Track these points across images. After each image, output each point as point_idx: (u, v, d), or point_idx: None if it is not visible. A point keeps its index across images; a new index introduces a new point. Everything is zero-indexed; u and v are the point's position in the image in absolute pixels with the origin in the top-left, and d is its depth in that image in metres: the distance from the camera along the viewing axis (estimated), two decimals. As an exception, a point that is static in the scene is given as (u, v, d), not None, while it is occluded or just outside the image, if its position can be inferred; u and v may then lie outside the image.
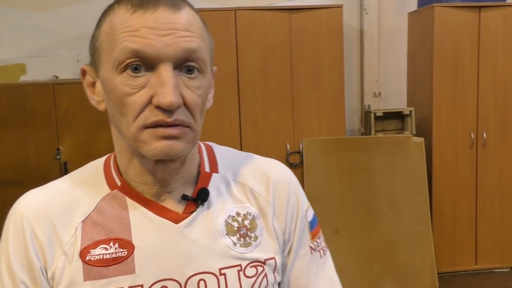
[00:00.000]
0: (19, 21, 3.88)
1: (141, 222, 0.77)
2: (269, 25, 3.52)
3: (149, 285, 0.74)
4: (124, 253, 0.75)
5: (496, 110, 3.74)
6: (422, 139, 3.45)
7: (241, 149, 3.76)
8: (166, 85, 0.68)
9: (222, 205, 0.82)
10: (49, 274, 0.75)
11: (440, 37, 3.62)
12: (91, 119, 3.56)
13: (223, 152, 0.89)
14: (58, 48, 3.89)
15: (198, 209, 0.79)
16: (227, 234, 0.80)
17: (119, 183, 0.79)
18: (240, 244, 0.80)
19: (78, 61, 3.89)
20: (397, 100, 4.27)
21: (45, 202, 0.78)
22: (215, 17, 3.44)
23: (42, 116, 3.49)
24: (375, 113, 3.80)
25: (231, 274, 0.78)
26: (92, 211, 0.77)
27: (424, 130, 3.77)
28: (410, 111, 3.76)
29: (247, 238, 0.81)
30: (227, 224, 0.81)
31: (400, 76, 4.25)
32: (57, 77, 3.80)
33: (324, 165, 3.05)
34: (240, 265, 0.79)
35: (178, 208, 0.79)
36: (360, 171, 3.26)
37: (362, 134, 4.16)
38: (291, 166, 3.53)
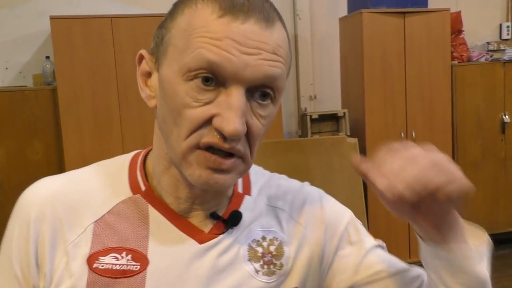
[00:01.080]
0: None
1: (162, 236, 0.69)
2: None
3: None
4: (136, 267, 0.67)
5: (423, 110, 3.94)
6: (356, 139, 3.57)
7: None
8: (234, 110, 0.59)
9: (249, 229, 0.73)
10: (45, 270, 0.66)
11: (369, 42, 3.77)
12: (22, 128, 3.43)
13: (256, 173, 0.81)
14: (-16, 55, 3.71)
15: (226, 232, 0.71)
16: (249, 260, 0.71)
17: (143, 188, 0.71)
18: (263, 272, 0.71)
19: (6, 68, 3.72)
20: (332, 103, 4.40)
21: (55, 194, 0.69)
22: (151, 22, 3.42)
23: (-32, 127, 3.33)
24: (311, 116, 3.90)
25: None
26: (107, 212, 0.69)
27: (357, 131, 3.91)
28: (344, 113, 3.89)
29: (271, 266, 0.72)
30: (251, 249, 0.72)
31: (334, 79, 4.38)
32: (-16, 86, 3.63)
33: (263, 167, 3.12)
34: None
35: (204, 226, 0.71)
36: (298, 172, 3.34)
37: (299, 136, 4.26)
38: (230, 170, 3.55)
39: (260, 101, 0.63)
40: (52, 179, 0.72)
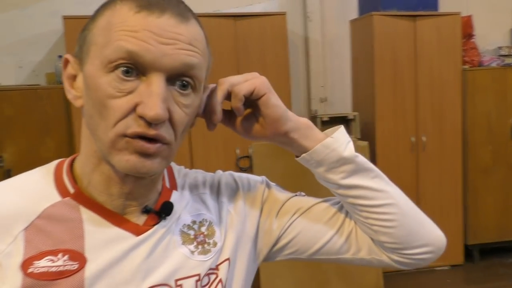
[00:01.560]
0: (-44, 26, 3.73)
1: (97, 233, 0.70)
2: (214, 32, 3.54)
3: None
4: (74, 267, 0.68)
5: (433, 115, 3.92)
6: (366, 143, 3.56)
7: (191, 155, 3.72)
8: (154, 96, 0.63)
9: (178, 217, 0.78)
10: None
11: (380, 45, 3.77)
12: (35, 126, 3.47)
13: (179, 172, 0.86)
14: (-1, 54, 3.77)
15: (160, 222, 0.75)
16: (183, 244, 0.76)
17: (72, 191, 0.72)
18: (198, 252, 0.77)
19: (20, 67, 3.77)
20: (342, 105, 4.40)
21: None
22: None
23: (-18, 124, 3.37)
24: (321, 118, 3.90)
25: (188, 285, 0.74)
26: (37, 217, 0.69)
27: (368, 134, 3.90)
28: (355, 116, 3.88)
29: (206, 245, 0.78)
30: (183, 233, 0.77)
31: (345, 81, 4.38)
32: (-3, 84, 3.68)
33: (273, 168, 3.12)
34: (199, 275, 0.75)
35: (139, 220, 0.74)
36: (306, 174, 3.33)
37: (308, 138, 4.26)
38: (241, 170, 3.55)
39: (181, 90, 0.68)
40: None
